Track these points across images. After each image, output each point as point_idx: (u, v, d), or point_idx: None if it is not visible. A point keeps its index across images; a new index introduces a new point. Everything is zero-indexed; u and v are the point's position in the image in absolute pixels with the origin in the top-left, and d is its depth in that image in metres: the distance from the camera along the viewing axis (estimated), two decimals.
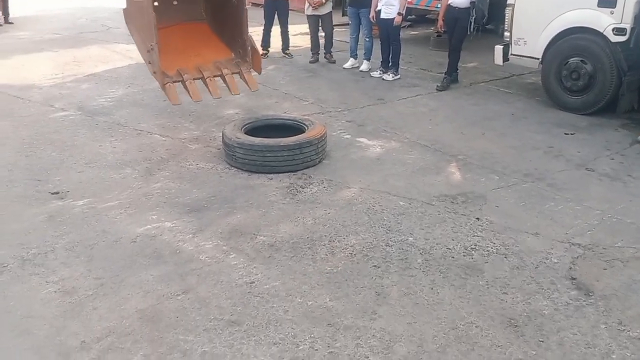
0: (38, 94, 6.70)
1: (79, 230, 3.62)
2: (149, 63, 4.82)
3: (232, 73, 5.14)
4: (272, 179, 4.39)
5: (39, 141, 5.16)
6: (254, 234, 3.58)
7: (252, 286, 3.04)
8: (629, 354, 2.57)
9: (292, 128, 4.92)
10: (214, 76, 5.02)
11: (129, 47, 9.72)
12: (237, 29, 5.25)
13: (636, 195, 4.21)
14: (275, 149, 4.43)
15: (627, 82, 5.79)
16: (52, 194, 4.14)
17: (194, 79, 4.94)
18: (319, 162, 4.67)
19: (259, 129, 4.95)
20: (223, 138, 4.65)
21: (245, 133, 4.71)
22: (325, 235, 3.59)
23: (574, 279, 3.17)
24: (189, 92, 4.89)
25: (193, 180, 4.41)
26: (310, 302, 2.91)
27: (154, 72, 4.78)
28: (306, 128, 4.80)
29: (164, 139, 5.32)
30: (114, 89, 7.02)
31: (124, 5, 5.37)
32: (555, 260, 3.34)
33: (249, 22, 5.15)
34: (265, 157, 4.43)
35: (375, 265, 3.25)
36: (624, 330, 2.73)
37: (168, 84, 4.80)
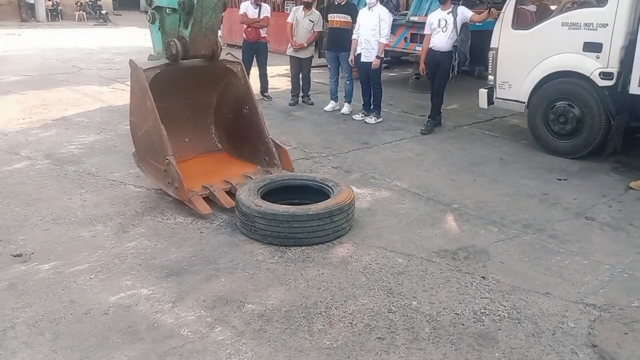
0: (2, 141, 6.28)
1: (44, 301, 3.20)
2: (169, 183, 4.41)
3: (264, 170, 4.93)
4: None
5: (1, 194, 4.73)
6: (241, 302, 3.22)
7: None
8: None
9: (312, 189, 4.42)
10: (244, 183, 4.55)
11: (101, 89, 9.45)
12: (257, 138, 5.09)
13: None
14: (304, 218, 3.84)
15: (616, 125, 5.72)
16: (15, 256, 3.71)
17: (222, 189, 4.56)
18: (349, 230, 4.17)
19: (276, 191, 4.42)
20: (238, 206, 4.07)
21: (262, 198, 4.14)
22: (320, 301, 3.25)
23: (595, 346, 2.91)
24: (219, 201, 4.41)
25: (171, 237, 4.05)
26: None
27: (176, 188, 4.34)
28: (329, 189, 4.28)
29: (138, 190, 4.96)
30: (85, 135, 6.65)
31: (133, 149, 5.08)
32: (572, 325, 3.07)
33: None
34: (291, 228, 3.85)
35: (379, 337, 2.93)
36: None
37: (194, 196, 4.37)
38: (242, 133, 5.23)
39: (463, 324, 3.06)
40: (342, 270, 3.62)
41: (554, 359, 2.79)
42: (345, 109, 8.14)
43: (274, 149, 5.01)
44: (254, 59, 8.59)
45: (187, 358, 2.74)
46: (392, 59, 12.26)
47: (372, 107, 7.74)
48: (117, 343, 2.85)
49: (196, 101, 5.29)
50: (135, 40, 16.23)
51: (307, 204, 4.08)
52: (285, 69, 9.67)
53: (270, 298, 3.27)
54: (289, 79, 8.95)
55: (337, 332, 2.96)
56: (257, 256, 3.78)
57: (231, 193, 4.49)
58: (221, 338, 2.89)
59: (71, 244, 3.91)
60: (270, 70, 9.39)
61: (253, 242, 3.96)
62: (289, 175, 4.81)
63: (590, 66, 5.71)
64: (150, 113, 4.48)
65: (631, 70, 5.42)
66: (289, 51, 8.52)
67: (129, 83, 5.04)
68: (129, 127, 5.13)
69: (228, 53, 5.25)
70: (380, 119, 7.69)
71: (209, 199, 4.46)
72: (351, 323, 3.05)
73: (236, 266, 3.64)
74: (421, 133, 7.12)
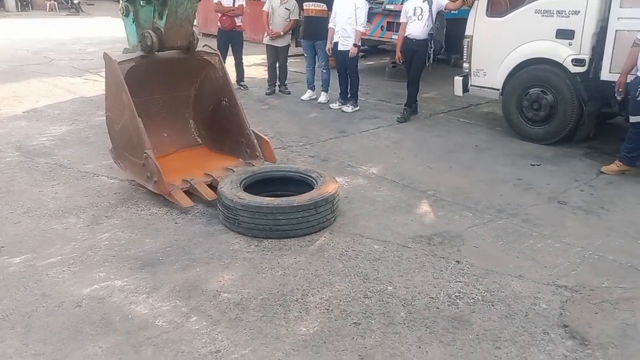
0: None
1: (15, 295, 3.14)
2: (148, 177, 4.33)
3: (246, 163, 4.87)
4: None
5: None
6: (217, 291, 3.20)
7: (218, 356, 2.66)
8: None
9: (295, 181, 4.37)
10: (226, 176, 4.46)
11: (73, 80, 9.26)
12: (237, 130, 5.01)
13: (612, 229, 4.11)
14: (288, 210, 3.79)
15: (588, 111, 5.81)
16: None
17: (204, 182, 4.46)
18: (334, 221, 4.14)
19: (258, 183, 4.36)
20: (221, 199, 3.99)
21: (244, 190, 4.07)
22: (297, 289, 3.25)
23: (567, 326, 2.96)
24: (201, 194, 4.32)
25: (145, 228, 4.00)
26: None
27: (155, 182, 4.26)
28: (313, 180, 4.23)
29: (112, 181, 4.88)
30: (57, 126, 6.51)
31: (108, 142, 4.96)
32: (545, 306, 3.13)
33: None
34: (276, 221, 3.80)
35: (355, 323, 2.94)
36: None
37: (174, 190, 4.28)
38: (222, 126, 5.15)
39: (438, 308, 3.09)
40: (318, 258, 3.62)
41: (526, 340, 2.84)
42: (322, 97, 8.12)
43: (256, 141, 4.95)
44: (230, 48, 8.50)
45: (162, 348, 2.72)
46: (369, 47, 12.24)
47: (349, 95, 7.74)
48: (90, 335, 2.82)
49: (174, 95, 5.19)
50: (108, 30, 15.91)
51: (291, 195, 4.03)
52: (262, 58, 9.62)
53: (246, 287, 3.26)
54: (266, 68, 8.90)
55: (313, 319, 2.97)
56: (233, 245, 3.76)
57: (213, 186, 4.42)
58: (197, 327, 2.88)
59: (43, 237, 3.83)
60: (247, 59, 9.33)
61: (229, 231, 3.94)
62: (271, 166, 4.74)
63: (562, 53, 5.78)
64: (127, 106, 4.38)
65: (602, 56, 5.51)
66: (265, 40, 8.46)
67: (102, 74, 4.96)
68: (101, 118, 5.06)
69: (205, 45, 5.18)
70: (358, 108, 7.69)
71: (190, 193, 4.39)
72: (327, 309, 3.06)
73: (212, 256, 3.61)
74: (398, 121, 7.15)
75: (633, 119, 5.08)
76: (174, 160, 4.95)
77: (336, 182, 4.23)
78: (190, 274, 3.39)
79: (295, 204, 3.83)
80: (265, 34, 8.41)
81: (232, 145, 5.11)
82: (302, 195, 3.98)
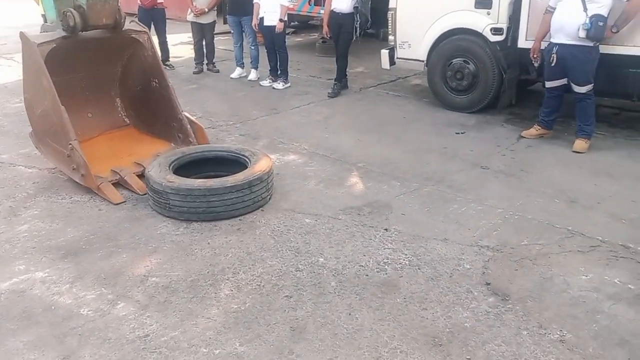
0: None
1: None
2: (74, 169, 4.09)
3: None
4: None
5: None
6: (145, 276, 3.13)
7: (147, 340, 2.61)
8: (554, 359, 2.52)
9: (228, 161, 4.25)
10: None
11: None
12: (169, 114, 4.78)
13: (532, 190, 4.32)
14: (221, 191, 3.69)
15: (508, 79, 6.03)
16: None
17: (134, 173, 4.26)
18: (270, 199, 4.08)
19: (188, 165, 4.21)
20: (149, 183, 3.84)
21: (174, 173, 3.92)
22: (228, 267, 3.23)
23: (489, 284, 3.11)
24: (131, 187, 4.15)
25: (67, 217, 3.83)
26: (218, 351, 2.54)
27: (82, 175, 4.03)
28: (246, 158, 4.13)
29: (30, 170, 4.63)
30: None
31: (30, 128, 4.62)
32: (468, 266, 3.27)
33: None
34: (209, 203, 3.68)
35: (287, 296, 2.96)
36: (545, 333, 2.69)
37: (102, 183, 4.07)
38: (152, 108, 4.94)
39: (367, 275, 3.16)
40: (250, 236, 3.60)
41: (451, 299, 2.96)
42: (252, 75, 8.00)
43: (189, 126, 4.77)
44: (152, 26, 8.17)
45: (88, 337, 2.63)
46: (299, 23, 12.15)
47: (279, 72, 7.66)
48: (10, 330, 2.69)
49: (98, 73, 4.92)
50: (23, 11, 14.90)
51: (224, 176, 3.90)
52: (188, 36, 9.31)
53: (175, 269, 3.20)
54: (192, 46, 8.64)
55: (245, 296, 2.96)
56: (161, 229, 3.67)
57: (144, 176, 4.21)
58: (124, 314, 2.80)
59: None
60: (172, 38, 9.03)
61: (156, 215, 3.84)
62: (202, 147, 4.55)
63: (482, 23, 5.94)
64: (48, 92, 4.10)
65: (519, 25, 5.70)
66: (190, 17, 8.20)
67: (16, 59, 4.63)
68: (17, 105, 4.76)
69: (132, 21, 4.94)
70: (289, 84, 7.64)
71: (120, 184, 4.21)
72: (259, 285, 3.06)
73: (138, 241, 3.52)
74: (328, 96, 7.16)
75: (548, 84, 5.32)
76: (100, 144, 4.73)
77: (270, 159, 4.17)
78: (115, 260, 3.29)
79: (228, 185, 3.73)
80: (189, 11, 8.15)
81: (163, 128, 4.92)
82: (236, 175, 3.88)
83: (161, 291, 2.99)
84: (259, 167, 3.96)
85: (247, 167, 4.02)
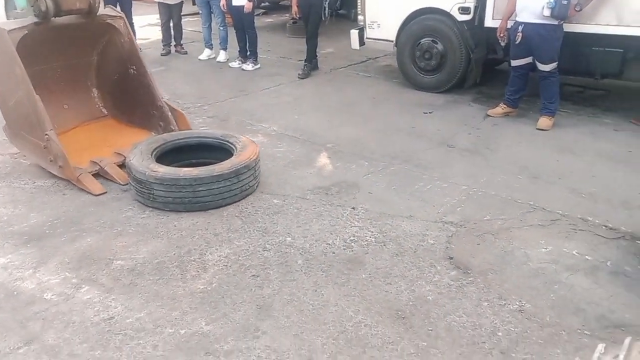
0: None
1: None
2: (51, 161, 3.94)
3: None
4: (126, 190, 3.90)
5: None
6: (110, 259, 3.11)
7: (112, 322, 2.60)
8: (513, 329, 2.60)
9: (212, 147, 4.13)
10: None
11: None
12: (149, 101, 4.64)
13: (495, 167, 4.40)
14: (208, 180, 3.55)
15: (475, 58, 6.09)
16: None
17: (114, 163, 4.14)
18: (257, 187, 3.97)
19: (171, 152, 4.08)
20: (131, 172, 3.68)
21: (157, 161, 3.79)
22: (194, 249, 3.23)
23: (452, 258, 3.18)
24: (112, 177, 4.03)
25: (30, 202, 3.77)
26: (184, 331, 2.56)
27: (60, 167, 3.89)
28: (231, 145, 3.99)
29: None
30: None
31: (4, 122, 4.44)
32: (432, 242, 3.33)
33: None
34: (196, 192, 3.55)
35: (254, 275, 2.98)
36: (505, 304, 2.77)
37: (82, 174, 3.93)
38: (131, 96, 4.79)
39: (334, 252, 3.20)
40: (217, 217, 3.60)
41: (415, 274, 3.02)
42: (222, 56, 7.92)
43: (170, 114, 4.64)
44: (117, 8, 7.99)
45: (52, 321, 2.62)
46: (270, 4, 12.03)
47: (248, 53, 7.59)
48: None
49: (73, 62, 4.74)
50: None
51: (209, 164, 3.77)
52: (156, 17, 9.15)
53: (140, 252, 3.19)
54: (160, 27, 8.49)
55: (212, 276, 2.97)
56: (126, 212, 3.64)
57: (124, 166, 4.08)
58: (88, 297, 2.79)
59: None
60: (139, 19, 8.86)
61: (121, 198, 3.81)
62: (185, 133, 4.36)
63: (450, 2, 5.96)
64: (21, 82, 3.94)
65: (486, 4, 5.74)
66: None
67: None
68: None
69: (108, 6, 4.80)
70: (258, 66, 7.58)
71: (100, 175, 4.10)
72: (226, 265, 3.07)
73: (103, 225, 3.48)
74: (299, 77, 7.14)
75: (514, 63, 5.39)
76: (78, 136, 4.59)
77: (256, 145, 4.04)
78: (80, 244, 3.26)
79: (215, 173, 3.59)
80: None
81: (143, 117, 4.77)
82: (222, 163, 3.74)
83: (126, 274, 2.98)
84: (246, 154, 3.82)
85: (232, 154, 3.89)
